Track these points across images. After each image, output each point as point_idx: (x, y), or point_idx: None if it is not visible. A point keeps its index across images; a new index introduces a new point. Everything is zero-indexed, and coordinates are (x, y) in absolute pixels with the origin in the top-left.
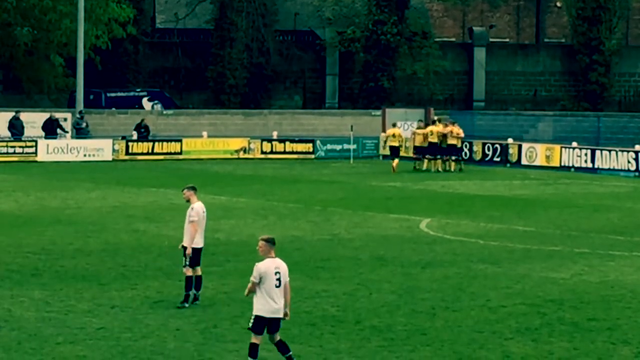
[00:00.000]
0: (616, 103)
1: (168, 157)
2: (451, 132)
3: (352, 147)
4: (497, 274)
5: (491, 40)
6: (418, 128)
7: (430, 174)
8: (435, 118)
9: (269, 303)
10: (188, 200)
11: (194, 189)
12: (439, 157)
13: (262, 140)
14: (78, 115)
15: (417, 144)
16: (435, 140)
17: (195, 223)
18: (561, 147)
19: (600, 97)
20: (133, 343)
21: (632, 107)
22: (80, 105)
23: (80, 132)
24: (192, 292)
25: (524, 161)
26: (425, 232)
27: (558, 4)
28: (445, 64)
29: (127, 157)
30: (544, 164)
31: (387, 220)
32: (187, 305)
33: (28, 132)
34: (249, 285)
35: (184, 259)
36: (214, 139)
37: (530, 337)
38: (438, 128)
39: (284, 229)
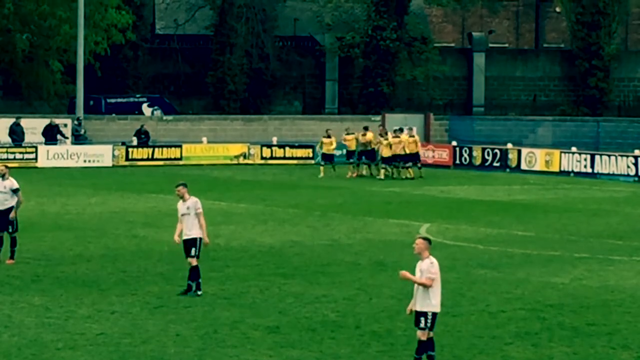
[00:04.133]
0: (615, 108)
1: (168, 162)
2: (381, 141)
3: None
4: (497, 279)
5: (490, 45)
6: (348, 134)
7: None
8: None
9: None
10: (182, 196)
11: (184, 185)
12: (371, 162)
13: (262, 145)
14: (76, 122)
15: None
16: (373, 147)
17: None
18: (561, 152)
19: (599, 102)
20: (133, 348)
21: (631, 112)
22: (80, 111)
23: (79, 138)
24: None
25: (523, 166)
26: None
27: (557, 9)
28: (444, 69)
29: (127, 163)
30: (544, 169)
31: (387, 225)
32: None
33: (28, 138)
34: (427, 280)
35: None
36: (213, 144)
37: (530, 341)
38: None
39: (283, 234)
